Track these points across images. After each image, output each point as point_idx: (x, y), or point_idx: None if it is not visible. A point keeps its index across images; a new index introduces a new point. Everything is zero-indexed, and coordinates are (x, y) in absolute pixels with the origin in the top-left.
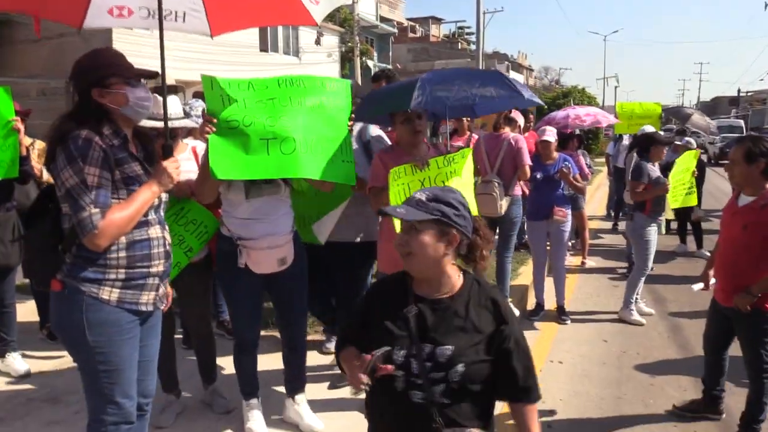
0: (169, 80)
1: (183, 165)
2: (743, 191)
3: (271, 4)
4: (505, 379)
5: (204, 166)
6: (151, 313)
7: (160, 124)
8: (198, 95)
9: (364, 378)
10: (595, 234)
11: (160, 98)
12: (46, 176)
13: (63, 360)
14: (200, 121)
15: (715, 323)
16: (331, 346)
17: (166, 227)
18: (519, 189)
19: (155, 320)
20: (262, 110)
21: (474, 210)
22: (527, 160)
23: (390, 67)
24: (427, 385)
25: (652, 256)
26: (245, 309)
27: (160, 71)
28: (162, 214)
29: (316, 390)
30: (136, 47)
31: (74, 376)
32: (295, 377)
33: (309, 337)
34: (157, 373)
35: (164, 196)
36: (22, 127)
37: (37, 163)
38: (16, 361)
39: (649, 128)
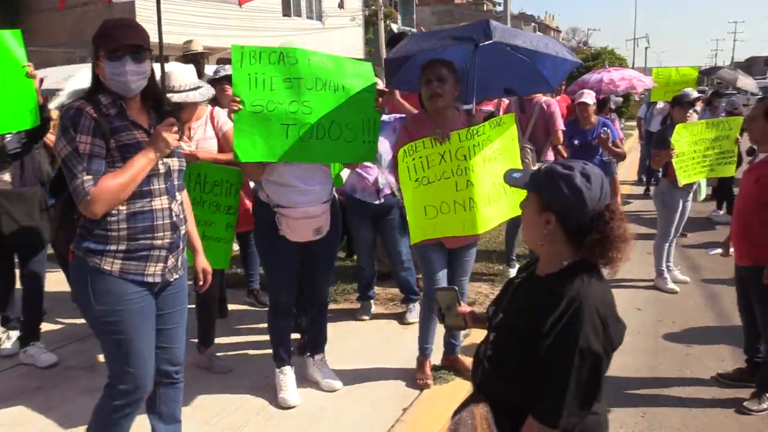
0: (198, 47)
1: (198, 131)
2: (759, 148)
3: None
4: (537, 381)
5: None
6: (168, 283)
7: (180, 100)
8: (222, 61)
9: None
10: (626, 199)
11: (171, 69)
12: None
13: None
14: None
15: (742, 289)
16: (411, 317)
17: (178, 198)
18: (552, 155)
19: (175, 289)
20: (286, 92)
21: None
22: (560, 125)
23: (413, 30)
24: (484, 343)
25: (674, 223)
26: (282, 274)
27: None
28: (175, 183)
29: (340, 354)
30: (161, 14)
31: None
32: (317, 336)
33: (340, 306)
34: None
35: (176, 164)
36: (37, 74)
37: (52, 134)
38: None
39: (691, 91)
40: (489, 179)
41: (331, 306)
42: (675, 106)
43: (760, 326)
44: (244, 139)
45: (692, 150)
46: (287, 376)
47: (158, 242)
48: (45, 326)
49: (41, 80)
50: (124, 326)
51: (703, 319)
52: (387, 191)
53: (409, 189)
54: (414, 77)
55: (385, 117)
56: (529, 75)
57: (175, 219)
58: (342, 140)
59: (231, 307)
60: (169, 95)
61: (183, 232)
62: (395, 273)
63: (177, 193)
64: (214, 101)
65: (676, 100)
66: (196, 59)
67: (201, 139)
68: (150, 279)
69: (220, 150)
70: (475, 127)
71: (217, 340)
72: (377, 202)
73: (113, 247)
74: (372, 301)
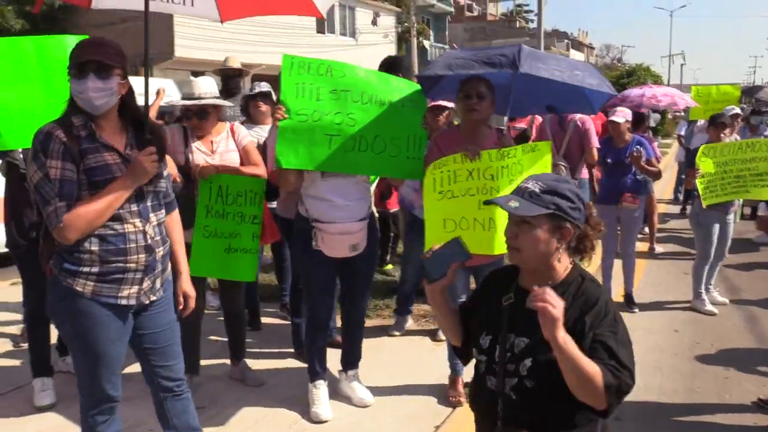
0: (234, 64)
1: (221, 144)
2: None
3: None
4: None
5: (271, 156)
6: (149, 304)
7: (192, 102)
8: (257, 78)
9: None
10: (662, 218)
11: (194, 78)
12: None
13: None
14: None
15: None
16: (397, 332)
17: (152, 220)
18: (586, 172)
19: (159, 309)
20: (332, 104)
21: None
22: (595, 143)
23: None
24: (500, 373)
25: (711, 244)
26: (319, 288)
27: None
28: (148, 205)
29: (373, 369)
30: (198, 30)
31: None
32: (351, 353)
33: (374, 322)
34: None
35: (150, 186)
36: None
37: None
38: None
39: (730, 109)
40: None
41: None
42: (710, 125)
43: None
44: (287, 147)
45: (722, 170)
46: (320, 390)
47: (131, 265)
48: None
49: None
50: (95, 346)
51: (742, 342)
52: None
53: (431, 200)
54: (446, 91)
55: None
56: (572, 94)
57: (150, 242)
58: (386, 155)
59: (264, 320)
60: (184, 101)
61: (161, 253)
62: None
63: (151, 215)
64: (248, 117)
65: (711, 119)
66: (233, 76)
67: (224, 151)
68: (124, 302)
69: (241, 163)
70: (507, 149)
71: (250, 353)
72: None
73: (86, 269)
74: (408, 316)
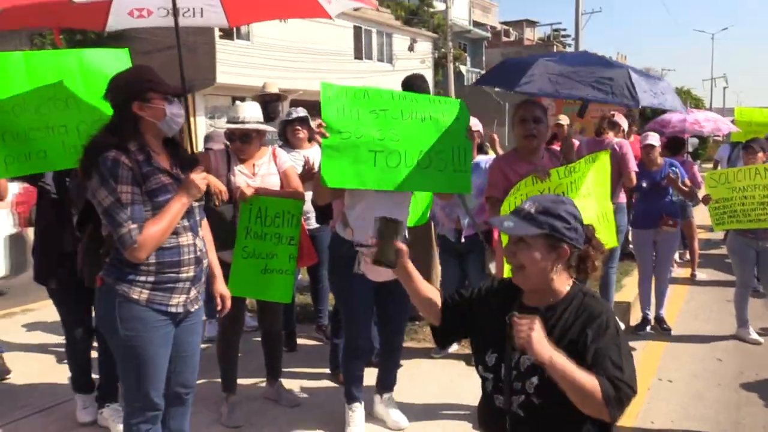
0: (272, 89)
1: (262, 168)
2: None
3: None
4: None
5: (318, 174)
6: (188, 314)
7: (236, 126)
8: (295, 103)
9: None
10: (705, 244)
11: (239, 103)
12: None
13: None
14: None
15: None
16: (438, 354)
17: (200, 233)
18: (624, 196)
19: (194, 320)
20: (373, 122)
21: (610, 218)
22: (633, 166)
23: (482, 71)
24: (507, 392)
25: (749, 271)
26: (359, 313)
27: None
28: (197, 219)
29: (407, 391)
30: (239, 57)
31: None
32: (387, 376)
33: (412, 345)
34: (221, 374)
35: (195, 202)
36: None
37: None
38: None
39: None
40: (584, 216)
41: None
42: (743, 149)
43: None
44: (332, 166)
45: (740, 196)
46: (356, 413)
47: (183, 275)
48: None
49: None
50: (145, 351)
51: None
52: (470, 232)
53: None
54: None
55: (482, 159)
56: (615, 86)
57: (198, 254)
58: (432, 169)
59: (300, 341)
60: (228, 124)
61: (205, 265)
62: None
63: (199, 229)
64: (286, 142)
65: (745, 144)
66: (271, 101)
67: (265, 174)
68: (173, 309)
69: (281, 187)
70: (573, 164)
71: (286, 373)
72: (453, 241)
73: (142, 278)
74: None
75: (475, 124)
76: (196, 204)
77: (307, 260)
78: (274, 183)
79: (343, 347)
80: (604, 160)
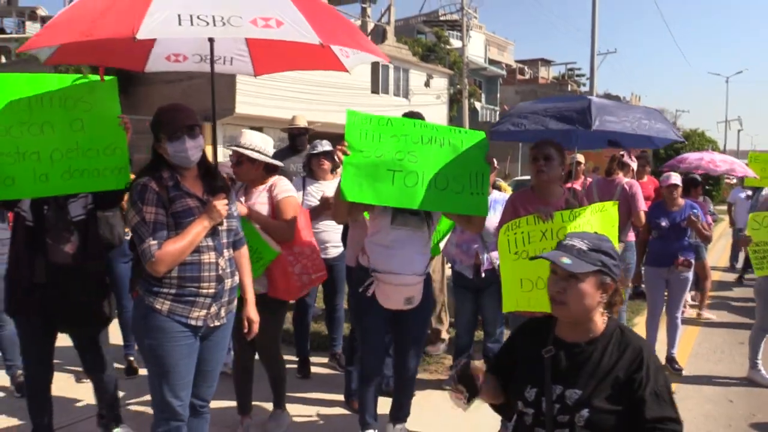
0: (301, 122)
1: (253, 195)
2: None
3: (307, 53)
4: (638, 423)
5: (339, 188)
6: (213, 330)
7: (232, 149)
8: (314, 135)
9: (461, 388)
10: (717, 286)
11: (245, 130)
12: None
13: None
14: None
15: None
16: (449, 386)
17: (224, 254)
18: (632, 235)
19: (218, 338)
20: (393, 144)
21: None
22: (641, 206)
23: (497, 108)
24: (551, 425)
25: (764, 312)
26: (372, 339)
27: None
28: (223, 241)
29: (418, 421)
30: (258, 88)
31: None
32: (400, 407)
33: (425, 376)
34: (236, 397)
35: (224, 225)
36: (131, 128)
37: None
38: None
39: None
40: None
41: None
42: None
43: None
44: (352, 181)
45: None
46: None
47: (203, 291)
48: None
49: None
50: (167, 360)
51: None
52: (487, 266)
53: (507, 261)
54: None
55: (497, 196)
56: (575, 115)
57: (220, 272)
58: (449, 191)
59: (314, 369)
60: (229, 148)
61: (229, 285)
62: (485, 344)
63: (225, 251)
64: (309, 173)
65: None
66: (299, 134)
67: (253, 203)
68: (193, 322)
69: (272, 218)
70: (579, 209)
71: (299, 399)
72: (471, 277)
73: (165, 290)
74: None
75: None
76: (224, 227)
77: (283, 294)
78: (259, 212)
79: (358, 373)
80: (611, 210)
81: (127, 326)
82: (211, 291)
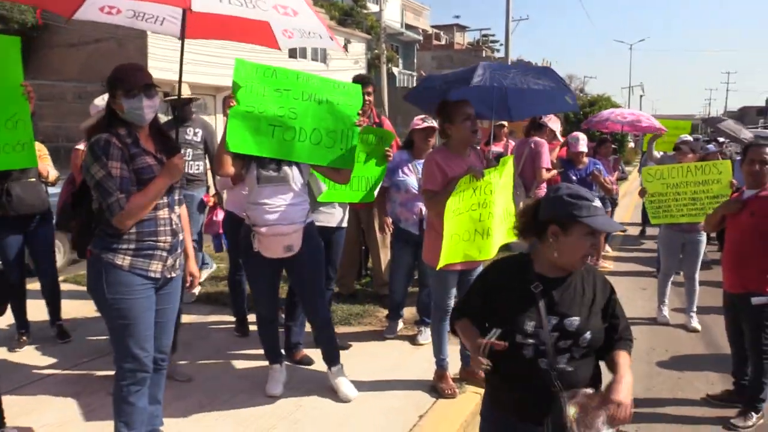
0: (187, 91)
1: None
2: (747, 186)
3: (245, 25)
4: (610, 334)
5: (222, 139)
6: (167, 282)
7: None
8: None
9: (484, 360)
10: (622, 240)
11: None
12: (53, 175)
13: None
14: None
15: (730, 313)
16: (422, 339)
17: (176, 210)
18: (543, 190)
19: (170, 289)
20: (276, 99)
21: (511, 212)
22: (543, 163)
23: (414, 73)
24: (553, 353)
25: (675, 261)
26: (261, 288)
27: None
28: (175, 198)
29: (358, 369)
30: (171, 52)
31: None
32: (327, 351)
33: (359, 329)
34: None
35: (177, 183)
36: (34, 97)
37: (42, 163)
38: None
39: (686, 137)
40: (497, 210)
41: (353, 329)
42: (675, 150)
43: (748, 350)
44: (236, 133)
45: (674, 192)
46: (275, 372)
47: (161, 244)
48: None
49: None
50: (130, 312)
51: (694, 348)
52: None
53: (450, 220)
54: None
55: (405, 155)
56: (551, 98)
57: (174, 227)
58: (322, 146)
59: (252, 327)
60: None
61: (180, 238)
62: (420, 296)
63: (176, 207)
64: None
65: (675, 145)
66: (185, 104)
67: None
68: (152, 274)
69: None
70: (501, 166)
71: (239, 356)
72: (418, 233)
73: (124, 246)
74: (400, 320)
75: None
76: (177, 184)
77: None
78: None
79: (256, 319)
80: (510, 162)
81: (52, 292)
82: (167, 244)
